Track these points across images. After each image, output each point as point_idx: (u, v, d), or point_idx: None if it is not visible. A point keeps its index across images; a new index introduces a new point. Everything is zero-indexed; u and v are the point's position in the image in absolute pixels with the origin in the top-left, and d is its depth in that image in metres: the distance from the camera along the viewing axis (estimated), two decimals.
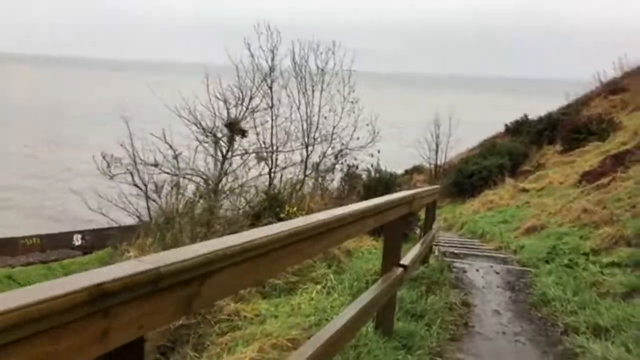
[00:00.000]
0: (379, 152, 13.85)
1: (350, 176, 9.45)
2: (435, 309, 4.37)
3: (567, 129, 17.80)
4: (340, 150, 14.25)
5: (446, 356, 3.52)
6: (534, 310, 4.99)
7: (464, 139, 24.75)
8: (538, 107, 22.77)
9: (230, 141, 11.78)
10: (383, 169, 9.14)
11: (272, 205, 5.97)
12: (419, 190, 3.96)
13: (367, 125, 14.89)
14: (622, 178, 11.49)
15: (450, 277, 5.72)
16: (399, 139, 31.85)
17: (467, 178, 18.51)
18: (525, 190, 15.68)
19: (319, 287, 4.37)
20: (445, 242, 9.29)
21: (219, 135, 13.70)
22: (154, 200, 7.88)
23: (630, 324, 4.14)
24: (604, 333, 4.10)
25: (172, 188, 7.78)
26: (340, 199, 8.20)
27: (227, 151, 14.15)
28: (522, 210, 12.50)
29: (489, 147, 20.54)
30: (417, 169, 26.69)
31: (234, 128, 11.40)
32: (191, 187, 9.75)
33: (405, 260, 3.63)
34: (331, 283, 4.54)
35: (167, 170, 8.73)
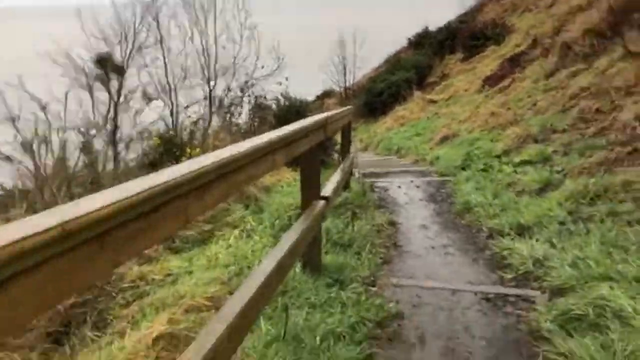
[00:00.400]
0: (287, 79, 13.22)
1: (259, 107, 8.88)
2: (363, 234, 4.15)
3: (465, 36, 18.09)
4: (246, 82, 13.42)
5: (380, 283, 3.32)
6: (459, 218, 4.97)
7: (369, 57, 24.54)
8: (438, 19, 22.92)
9: (104, 81, 10.54)
10: (293, 96, 8.63)
11: (169, 150, 5.32)
12: (332, 112, 3.56)
13: (270, 52, 14.05)
14: (520, 79, 11.91)
15: (374, 198, 5.55)
16: (305, 64, 31.08)
17: (377, 96, 18.50)
18: (433, 101, 15.97)
19: (236, 231, 3.95)
20: (364, 163, 9.18)
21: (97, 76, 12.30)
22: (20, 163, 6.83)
23: (550, 219, 4.19)
24: (527, 231, 4.13)
25: (39, 145, 6.74)
26: (251, 133, 7.66)
27: (110, 94, 12.80)
28: (433, 122, 12.70)
29: (394, 63, 20.53)
30: (327, 94, 26.33)
31: (107, 65, 10.18)
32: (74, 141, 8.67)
33: (326, 191, 3.29)
34: (250, 225, 4.14)
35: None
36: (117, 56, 12.84)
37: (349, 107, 5.42)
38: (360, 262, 3.59)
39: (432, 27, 22.13)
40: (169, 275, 3.26)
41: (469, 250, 4.10)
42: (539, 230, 4.05)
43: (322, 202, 3.01)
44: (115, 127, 12.29)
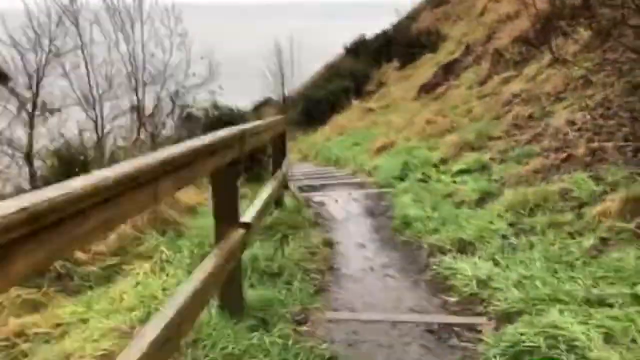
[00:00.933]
0: (220, 87, 12.64)
1: (188, 118, 8.28)
2: (296, 259, 3.74)
3: (401, 44, 18.26)
4: (177, 91, 12.70)
5: (312, 319, 2.91)
6: (398, 234, 4.66)
7: (307, 66, 24.33)
8: (374, 27, 23.10)
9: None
10: (224, 105, 8.10)
11: (67, 172, 4.66)
12: (254, 124, 3.14)
13: (201, 58, 13.39)
14: (455, 86, 12.02)
15: (309, 215, 5.15)
16: (242, 73, 30.46)
17: (316, 105, 18.25)
18: (371, 109, 15.91)
19: (147, 265, 3.42)
20: (302, 175, 8.81)
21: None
22: None
23: (492, 232, 3.97)
24: (469, 248, 3.88)
25: None
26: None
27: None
28: (371, 130, 12.55)
29: (332, 72, 20.41)
30: (266, 102, 25.85)
31: None
32: None
33: (248, 215, 2.85)
34: (165, 255, 3.62)
35: None
36: (32, 63, 11.73)
37: (279, 116, 5.00)
38: (290, 293, 3.17)
39: (370, 35, 22.27)
40: (58, 325, 2.70)
41: (409, 271, 3.79)
42: (481, 245, 3.81)
43: (241, 231, 2.57)
44: (30, 143, 11.21)
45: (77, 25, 12.48)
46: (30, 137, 11.46)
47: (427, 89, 13.58)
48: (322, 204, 5.93)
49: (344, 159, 10.61)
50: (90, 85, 12.72)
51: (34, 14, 11.39)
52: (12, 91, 11.16)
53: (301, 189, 6.83)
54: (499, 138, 6.82)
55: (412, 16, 21.52)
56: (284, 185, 6.29)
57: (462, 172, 5.99)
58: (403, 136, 9.76)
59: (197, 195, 5.46)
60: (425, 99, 12.69)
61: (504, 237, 3.83)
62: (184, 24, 13.75)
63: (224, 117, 7.41)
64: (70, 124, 11.98)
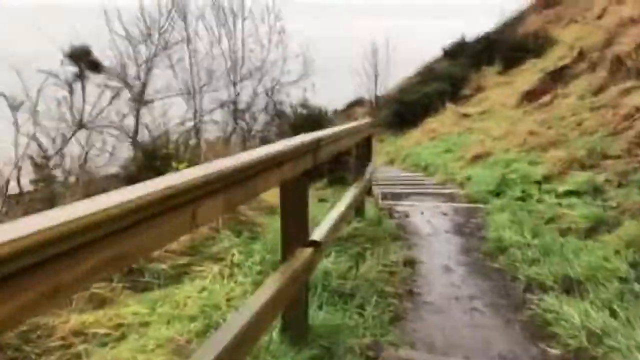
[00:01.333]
0: (313, 85, 12.55)
1: (278, 115, 8.20)
2: (372, 278, 3.38)
3: (504, 48, 17.06)
4: (272, 87, 12.81)
5: (384, 355, 2.54)
6: (490, 260, 4.12)
7: (402, 66, 23.64)
8: (475, 29, 21.87)
9: (81, 77, 9.97)
10: (311, 103, 7.93)
11: (150, 164, 4.67)
12: (332, 130, 2.81)
13: (297, 56, 13.39)
14: (564, 95, 10.87)
15: (391, 227, 4.76)
16: (337, 71, 30.42)
17: (408, 107, 17.64)
18: (467, 115, 15.01)
19: (216, 268, 3.24)
20: (387, 181, 8.39)
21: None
22: None
23: (607, 273, 3.32)
24: (578, 288, 3.27)
25: None
26: (264, 143, 7.00)
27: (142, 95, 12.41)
28: (465, 137, 11.76)
29: (427, 74, 19.61)
30: (358, 102, 25.59)
31: (82, 60, 9.67)
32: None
33: (319, 232, 2.54)
34: (236, 259, 3.43)
35: None
36: (142, 55, 12.38)
37: (366, 120, 4.64)
38: (362, 320, 2.82)
39: (470, 37, 21.13)
40: (119, 326, 2.58)
41: (501, 307, 3.27)
42: (593, 287, 3.19)
43: (309, 250, 2.26)
44: (136, 130, 11.86)
45: (185, 19, 13.00)
46: (137, 123, 12.11)
47: (530, 96, 12.47)
48: (406, 215, 5.49)
49: (434, 166, 10.01)
50: (192, 77, 13.23)
51: (146, 9, 12.01)
52: (123, 81, 11.86)
53: (385, 196, 6.44)
54: (618, 157, 5.92)
55: (518, 18, 20.05)
56: (367, 192, 5.95)
57: (569, 193, 5.25)
58: (501, 146, 8.96)
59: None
60: (528, 107, 11.64)
61: (624, 280, 3.18)
62: (283, 21, 13.82)
63: (311, 117, 7.20)
64: (173, 113, 12.55)
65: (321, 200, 5.43)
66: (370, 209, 4.94)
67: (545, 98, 11.69)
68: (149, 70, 12.42)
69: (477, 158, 8.76)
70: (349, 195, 3.75)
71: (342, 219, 3.30)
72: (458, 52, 20.49)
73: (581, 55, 12.59)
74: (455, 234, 4.87)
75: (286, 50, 13.46)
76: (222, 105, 11.76)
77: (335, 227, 2.93)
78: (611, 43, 11.42)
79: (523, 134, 8.84)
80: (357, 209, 4.55)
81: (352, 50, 25.12)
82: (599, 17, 14.57)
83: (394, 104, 18.97)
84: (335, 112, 27.21)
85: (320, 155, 2.17)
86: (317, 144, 2.09)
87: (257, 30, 13.52)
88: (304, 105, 7.83)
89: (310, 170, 2.12)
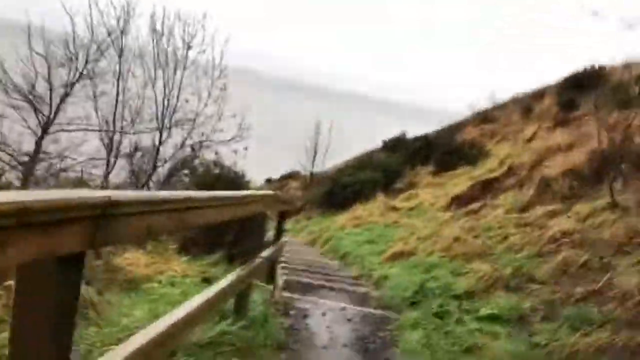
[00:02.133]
0: (245, 149, 11.77)
1: (186, 167, 7.16)
2: None
3: (440, 150, 17.33)
4: (201, 142, 11.84)
5: None
6: None
7: (341, 150, 23.56)
8: (416, 130, 22.44)
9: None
10: (230, 165, 6.98)
11: None
12: (175, 194, 1.82)
13: (234, 116, 12.61)
14: (492, 206, 10.69)
15: (278, 332, 3.71)
16: (276, 143, 30.07)
17: (340, 189, 17.15)
18: (395, 208, 14.64)
19: None
20: (299, 265, 7.42)
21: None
22: None
23: None
24: None
25: None
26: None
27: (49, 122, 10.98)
28: (390, 230, 11.18)
29: (365, 161, 19.51)
30: (293, 175, 25.05)
31: None
32: None
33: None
34: None
35: None
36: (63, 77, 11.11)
37: (268, 192, 3.71)
38: None
39: (410, 135, 21.58)
40: None
41: None
42: None
43: None
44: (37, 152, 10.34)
45: (120, 55, 12.01)
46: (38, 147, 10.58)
47: (460, 201, 12.29)
48: (304, 314, 4.48)
49: (352, 256, 9.19)
50: (115, 114, 12.00)
51: (77, 34, 10.95)
52: (30, 102, 10.48)
53: (288, 285, 5.43)
54: (544, 283, 5.35)
55: (457, 126, 20.83)
56: (270, 275, 4.94)
57: (492, 318, 4.51)
58: (425, 247, 8.35)
59: (147, 267, 4.13)
60: (457, 211, 11.36)
61: None
62: (227, 79, 13.15)
63: (226, 178, 6.23)
64: (86, 149, 11.17)
65: (205, 280, 4.34)
66: (259, 303, 3.89)
67: (474, 205, 11.50)
68: (65, 96, 11.11)
69: (398, 255, 8.06)
70: (220, 284, 2.72)
71: (193, 320, 2.26)
72: (397, 146, 20.73)
73: (510, 170, 12.76)
74: (356, 351, 3.88)
75: (223, 107, 12.68)
76: (136, 149, 10.59)
77: (168, 337, 1.88)
78: (539, 165, 11.63)
79: (449, 238, 8.31)
80: (239, 298, 3.50)
81: (295, 125, 24.97)
82: (529, 139, 15.18)
83: (327, 183, 18.47)
84: (269, 181, 26.43)
85: (115, 229, 1.20)
86: (104, 208, 1.12)
87: (197, 80, 12.76)
88: (218, 163, 6.88)
89: (82, 253, 1.13)
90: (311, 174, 22.78)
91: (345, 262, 9.04)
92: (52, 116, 10.83)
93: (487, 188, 12.56)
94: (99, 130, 11.72)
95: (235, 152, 11.36)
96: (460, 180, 14.20)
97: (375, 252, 9.07)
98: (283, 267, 6.62)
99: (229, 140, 12.09)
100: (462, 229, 8.91)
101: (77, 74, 11.04)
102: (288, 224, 17.73)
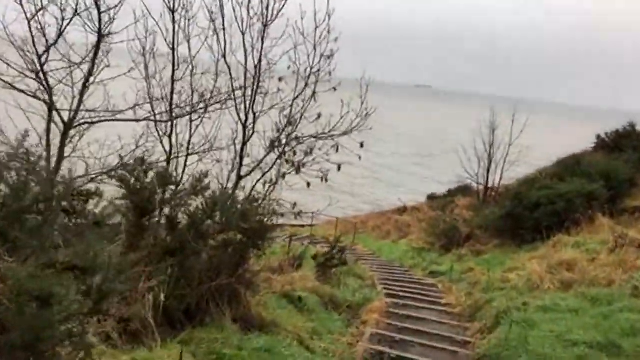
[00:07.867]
0: (361, 145, 6.90)
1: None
2: None
3: None
4: (319, 135, 7.14)
5: None
6: None
7: (526, 160, 16.00)
8: None
9: None
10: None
11: None
12: None
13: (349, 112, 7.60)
14: None
15: None
16: (448, 153, 23.70)
17: (529, 210, 10.61)
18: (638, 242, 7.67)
19: None
20: None
21: None
22: None
23: None
24: None
25: None
26: None
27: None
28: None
29: (569, 166, 12.30)
30: (462, 190, 18.71)
31: None
32: None
33: None
34: None
35: None
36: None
37: None
38: None
39: None
40: None
41: None
42: None
43: None
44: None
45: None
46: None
47: None
48: None
49: None
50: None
51: None
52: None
53: None
54: None
55: None
56: None
57: None
58: None
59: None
60: None
61: None
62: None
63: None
64: None
65: None
66: None
67: None
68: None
69: None
70: None
71: None
72: (622, 143, 13.00)
73: None
74: None
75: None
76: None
77: None
78: None
79: None
80: None
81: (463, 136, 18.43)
82: None
83: (508, 201, 11.92)
84: (432, 197, 20.46)
85: None
86: None
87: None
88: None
89: None
90: (485, 187, 16.15)
91: None
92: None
93: None
94: None
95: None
96: None
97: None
98: None
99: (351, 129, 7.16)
100: None
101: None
102: (446, 260, 11.67)
